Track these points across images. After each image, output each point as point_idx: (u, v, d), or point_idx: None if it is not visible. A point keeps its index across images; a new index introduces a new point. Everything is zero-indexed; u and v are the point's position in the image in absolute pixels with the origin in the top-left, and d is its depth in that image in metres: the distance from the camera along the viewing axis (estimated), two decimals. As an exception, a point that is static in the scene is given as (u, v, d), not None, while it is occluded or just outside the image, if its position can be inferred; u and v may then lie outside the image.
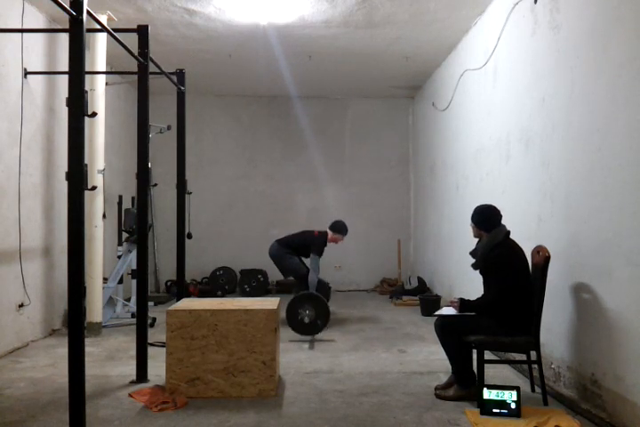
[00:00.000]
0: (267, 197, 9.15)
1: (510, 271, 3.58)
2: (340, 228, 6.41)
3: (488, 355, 3.99)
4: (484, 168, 5.46)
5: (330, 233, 6.39)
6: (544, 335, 3.70)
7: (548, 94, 4.04)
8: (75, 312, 2.92)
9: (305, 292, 5.80)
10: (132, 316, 5.91)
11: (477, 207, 3.88)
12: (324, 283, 6.36)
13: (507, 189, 4.85)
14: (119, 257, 6.38)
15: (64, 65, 5.55)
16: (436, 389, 3.76)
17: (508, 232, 3.72)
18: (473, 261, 3.84)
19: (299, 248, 6.35)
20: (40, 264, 5.47)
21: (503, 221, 3.79)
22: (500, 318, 3.59)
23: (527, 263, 3.69)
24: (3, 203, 4.83)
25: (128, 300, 6.55)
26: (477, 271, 3.86)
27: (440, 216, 7.33)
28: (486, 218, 3.76)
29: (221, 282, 8.51)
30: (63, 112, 5.22)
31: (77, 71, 2.92)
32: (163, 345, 4.12)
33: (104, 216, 5.76)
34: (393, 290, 8.17)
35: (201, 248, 8.48)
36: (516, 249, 3.68)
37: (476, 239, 3.93)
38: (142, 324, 4.15)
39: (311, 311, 5.45)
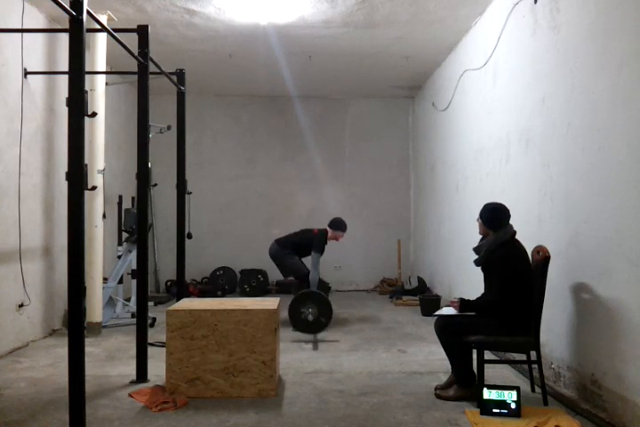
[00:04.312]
0: (266, 197, 9.14)
1: (513, 272, 3.58)
2: (339, 225, 6.39)
3: (488, 355, 3.99)
4: (484, 168, 5.46)
5: (330, 231, 6.37)
6: (544, 335, 3.71)
7: (547, 94, 4.04)
8: (75, 312, 2.92)
9: (306, 290, 5.80)
10: (132, 316, 5.91)
11: (489, 205, 3.81)
12: (325, 282, 6.36)
13: (507, 189, 4.84)
14: (119, 257, 6.38)
15: (64, 65, 5.55)
16: (435, 389, 3.76)
17: (515, 233, 3.71)
18: (474, 258, 3.83)
19: (298, 247, 6.33)
20: (40, 264, 5.47)
21: (504, 221, 3.79)
22: (500, 318, 3.59)
23: (530, 264, 3.69)
24: (3, 203, 4.83)
25: (128, 300, 6.55)
26: (478, 268, 3.85)
27: (440, 216, 7.33)
28: (496, 218, 3.72)
29: (221, 282, 8.51)
30: (63, 112, 5.22)
31: (77, 71, 2.92)
32: (163, 345, 4.12)
33: (104, 216, 5.76)
34: (393, 290, 8.17)
35: (201, 248, 8.48)
36: (520, 250, 3.68)
37: (479, 236, 3.93)
38: (142, 324, 4.15)
39: (314, 309, 5.45)
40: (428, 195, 8.15)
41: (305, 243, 6.29)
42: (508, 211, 3.75)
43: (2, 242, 4.80)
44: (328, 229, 6.39)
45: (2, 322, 4.77)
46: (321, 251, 6.23)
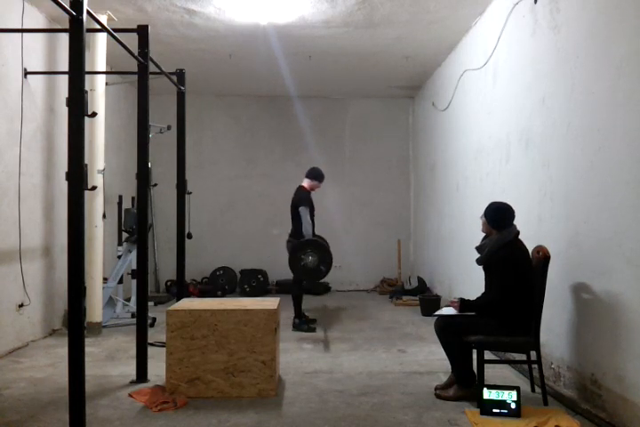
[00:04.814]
0: (266, 197, 9.13)
1: (515, 272, 3.58)
2: (314, 174, 6.13)
3: (488, 355, 3.99)
4: (484, 168, 5.46)
5: (306, 182, 6.12)
6: (544, 335, 3.71)
7: (547, 94, 4.04)
8: (75, 312, 2.92)
9: (304, 239, 5.71)
10: (132, 316, 5.91)
11: (494, 205, 3.81)
12: (323, 238, 6.22)
13: (507, 189, 4.84)
14: (119, 257, 6.38)
15: (64, 65, 5.54)
16: (435, 389, 3.76)
17: (518, 233, 3.70)
18: (476, 257, 3.83)
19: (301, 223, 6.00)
20: (40, 264, 5.47)
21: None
22: (500, 318, 3.59)
23: (531, 265, 3.69)
24: (3, 203, 4.82)
25: (128, 300, 6.55)
26: (480, 267, 3.85)
27: (440, 216, 7.33)
28: (500, 217, 3.72)
29: (221, 282, 8.51)
30: (63, 112, 5.21)
31: (77, 71, 2.93)
32: (163, 345, 4.12)
33: (104, 216, 5.76)
34: (393, 290, 8.17)
35: (201, 248, 8.47)
36: (523, 250, 3.68)
37: (480, 235, 3.93)
38: (142, 324, 4.15)
39: (314, 257, 5.43)
40: (427, 195, 8.14)
41: (299, 213, 5.96)
42: (513, 211, 3.74)
43: (2, 242, 4.80)
44: (305, 180, 6.15)
45: (2, 322, 4.77)
46: (306, 204, 5.91)
